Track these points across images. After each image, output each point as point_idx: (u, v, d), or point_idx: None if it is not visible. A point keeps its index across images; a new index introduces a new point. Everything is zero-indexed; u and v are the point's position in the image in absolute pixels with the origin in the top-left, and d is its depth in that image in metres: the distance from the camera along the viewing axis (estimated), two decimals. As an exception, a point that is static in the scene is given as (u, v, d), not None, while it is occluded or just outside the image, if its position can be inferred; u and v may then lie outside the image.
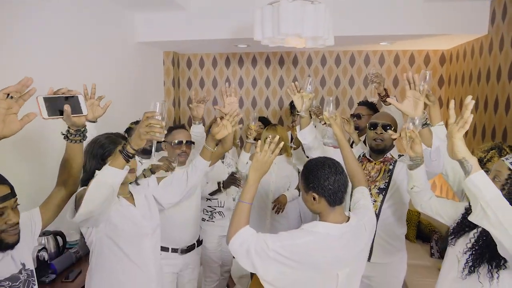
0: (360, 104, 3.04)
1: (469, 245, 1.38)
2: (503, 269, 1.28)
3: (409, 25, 3.29)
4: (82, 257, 2.32)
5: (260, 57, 4.46)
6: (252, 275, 2.96)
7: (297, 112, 2.07)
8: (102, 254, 1.59)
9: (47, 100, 1.17)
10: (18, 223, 1.21)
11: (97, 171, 1.37)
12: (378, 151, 2.06)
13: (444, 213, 1.61)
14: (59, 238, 2.26)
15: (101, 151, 1.55)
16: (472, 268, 1.32)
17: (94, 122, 1.90)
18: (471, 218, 1.22)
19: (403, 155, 2.07)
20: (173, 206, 2.13)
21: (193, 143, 2.38)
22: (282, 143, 1.46)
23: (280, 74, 4.45)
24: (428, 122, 1.62)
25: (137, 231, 1.64)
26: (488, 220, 1.16)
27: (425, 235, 3.43)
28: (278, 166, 2.91)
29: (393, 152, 2.07)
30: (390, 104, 2.60)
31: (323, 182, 1.37)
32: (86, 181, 1.53)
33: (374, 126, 2.06)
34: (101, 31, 3.13)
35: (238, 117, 1.84)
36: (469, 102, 1.22)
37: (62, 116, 1.23)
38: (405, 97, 1.61)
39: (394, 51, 4.22)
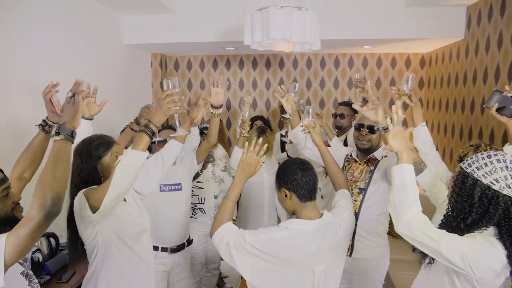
0: (341, 104, 3.17)
1: None
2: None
3: (390, 30, 3.43)
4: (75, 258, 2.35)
5: (247, 59, 4.54)
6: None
7: (283, 114, 2.19)
8: (109, 252, 1.63)
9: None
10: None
11: (119, 156, 1.49)
12: (364, 150, 2.16)
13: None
14: (52, 240, 2.28)
15: (97, 152, 1.59)
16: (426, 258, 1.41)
17: (90, 119, 1.96)
18: (395, 226, 1.32)
19: (386, 156, 2.17)
20: (162, 206, 2.26)
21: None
22: (266, 145, 1.57)
23: (267, 76, 4.54)
24: (386, 127, 1.57)
25: (137, 227, 1.70)
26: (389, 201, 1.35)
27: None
28: (266, 164, 3.01)
29: (377, 153, 2.16)
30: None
31: (292, 177, 1.48)
32: (81, 181, 1.58)
33: (360, 127, 2.15)
34: (90, 33, 3.15)
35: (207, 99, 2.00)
36: (398, 105, 1.46)
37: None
38: (373, 99, 1.63)
39: (377, 54, 4.36)
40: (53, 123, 1.57)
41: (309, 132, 2.00)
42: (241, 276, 3.48)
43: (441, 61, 3.89)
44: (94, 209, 1.45)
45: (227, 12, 3.48)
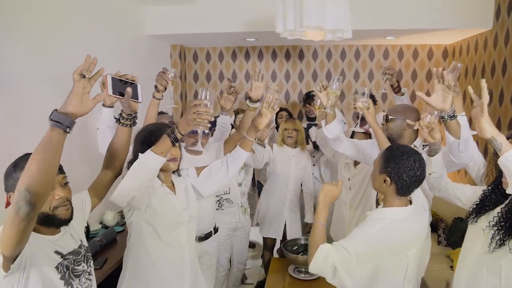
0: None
1: (496, 220, 1.45)
2: None
3: (414, 20, 3.37)
4: (106, 245, 2.37)
5: (266, 51, 4.51)
6: (266, 270, 3.03)
7: (324, 108, 2.16)
8: (140, 235, 1.65)
9: (114, 80, 1.28)
10: (68, 200, 1.26)
11: (140, 154, 1.43)
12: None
13: (462, 196, 1.71)
14: (83, 227, 2.30)
15: (149, 137, 1.60)
16: (502, 241, 1.40)
17: (111, 107, 1.97)
18: (509, 191, 1.31)
19: (427, 144, 2.15)
20: None
21: (210, 132, 2.43)
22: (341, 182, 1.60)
23: (286, 68, 4.51)
24: (455, 115, 1.69)
25: (175, 218, 1.69)
26: None
27: (432, 224, 3.53)
28: (296, 158, 3.00)
29: (417, 143, 2.14)
30: (402, 95, 2.70)
31: (402, 173, 1.43)
32: (130, 163, 1.60)
33: (383, 117, 2.16)
34: (111, 24, 3.14)
35: (276, 102, 1.82)
36: (483, 85, 1.35)
37: (122, 97, 1.32)
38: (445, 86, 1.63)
39: (398, 46, 4.30)
40: (122, 112, 1.46)
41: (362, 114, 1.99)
42: (264, 269, 3.51)
43: (466, 52, 3.83)
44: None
45: (250, 2, 3.45)
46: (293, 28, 2.17)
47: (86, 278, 1.32)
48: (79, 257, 1.31)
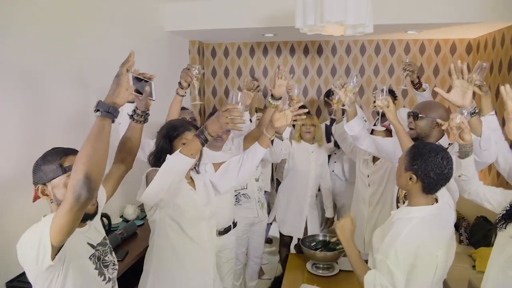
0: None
1: None
2: None
3: (438, 13, 3.28)
4: (126, 238, 2.42)
5: (284, 46, 4.48)
6: (283, 265, 3.03)
7: (342, 106, 2.17)
8: (164, 232, 1.67)
9: (134, 78, 1.33)
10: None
11: (168, 155, 1.46)
12: (413, 139, 2.09)
13: (493, 200, 1.65)
14: (105, 220, 2.35)
15: (171, 132, 1.63)
16: None
17: (132, 102, 2.00)
18: None
19: (452, 143, 2.11)
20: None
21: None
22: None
23: (304, 64, 4.47)
24: (476, 111, 1.65)
25: (197, 214, 1.71)
26: None
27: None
28: (315, 154, 2.99)
29: (442, 142, 2.09)
30: (424, 91, 2.64)
31: (429, 170, 1.40)
32: (154, 158, 1.62)
33: (408, 115, 2.10)
34: (131, 21, 3.17)
35: (303, 111, 1.80)
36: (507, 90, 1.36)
37: (139, 95, 1.38)
38: (462, 81, 1.61)
39: (420, 40, 4.21)
40: (136, 109, 1.52)
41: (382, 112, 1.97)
42: (281, 265, 3.51)
43: (491, 47, 3.71)
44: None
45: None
46: (313, 24, 2.15)
47: (112, 268, 1.38)
48: (106, 248, 1.36)
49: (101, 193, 1.46)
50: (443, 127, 1.64)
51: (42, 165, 1.21)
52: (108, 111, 1.08)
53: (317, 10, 2.09)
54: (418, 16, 3.31)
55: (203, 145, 1.42)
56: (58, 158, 1.21)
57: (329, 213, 3.11)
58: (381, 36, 4.15)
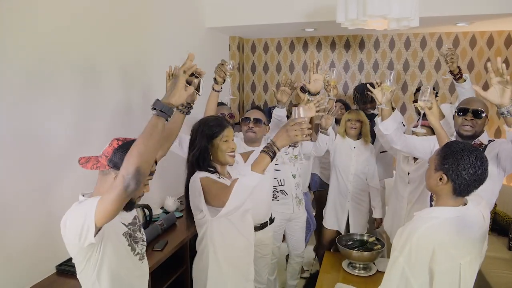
0: None
1: None
2: None
3: (491, 3, 3.06)
4: (166, 229, 2.50)
5: (325, 41, 4.40)
6: (320, 262, 2.99)
7: (379, 104, 2.13)
8: (216, 229, 1.73)
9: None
10: None
11: (239, 175, 1.55)
12: (467, 137, 1.99)
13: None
14: (146, 211, 2.45)
15: (210, 131, 1.67)
16: None
17: None
18: None
19: (493, 140, 2.00)
20: None
21: (265, 123, 2.46)
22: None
23: (345, 58, 4.37)
24: None
25: (242, 207, 1.75)
26: None
27: (501, 227, 3.26)
28: (357, 150, 2.93)
29: (482, 138, 1.98)
30: (464, 81, 2.50)
31: (461, 170, 1.30)
32: (195, 158, 1.68)
33: (463, 112, 1.98)
34: (173, 17, 3.24)
35: (325, 103, 1.86)
36: None
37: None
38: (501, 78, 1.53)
39: (470, 33, 3.96)
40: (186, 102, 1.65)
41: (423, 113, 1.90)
42: (317, 261, 3.48)
43: (551, 39, 3.42)
44: (209, 204, 1.60)
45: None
46: (355, 18, 2.09)
47: (142, 244, 1.48)
48: (136, 227, 1.46)
49: None
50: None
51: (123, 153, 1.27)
52: (162, 110, 1.18)
53: (359, 3, 2.03)
54: (469, 7, 3.12)
55: (271, 160, 1.50)
56: None
57: (376, 214, 3.02)
58: (428, 29, 3.96)
